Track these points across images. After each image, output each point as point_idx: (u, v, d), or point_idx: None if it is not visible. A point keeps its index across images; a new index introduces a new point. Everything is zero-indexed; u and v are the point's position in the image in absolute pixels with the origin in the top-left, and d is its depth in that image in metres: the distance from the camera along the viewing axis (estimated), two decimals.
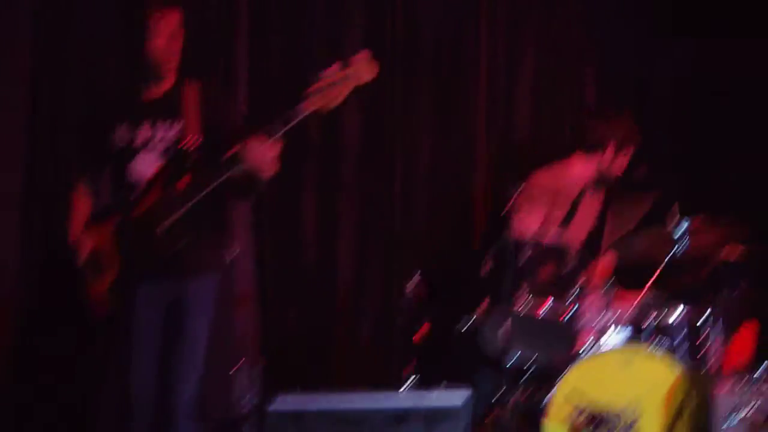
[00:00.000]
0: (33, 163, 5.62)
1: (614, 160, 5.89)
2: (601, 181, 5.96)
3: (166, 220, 4.43)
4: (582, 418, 5.01)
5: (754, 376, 5.10)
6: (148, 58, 4.56)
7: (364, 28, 6.49)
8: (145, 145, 4.57)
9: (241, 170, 4.40)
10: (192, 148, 4.52)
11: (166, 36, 4.53)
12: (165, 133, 4.56)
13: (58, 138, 5.71)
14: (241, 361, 5.68)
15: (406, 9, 6.57)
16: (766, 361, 5.20)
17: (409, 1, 6.59)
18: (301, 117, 4.35)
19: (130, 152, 4.58)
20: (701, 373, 5.18)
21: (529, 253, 5.19)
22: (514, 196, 5.14)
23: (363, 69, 4.38)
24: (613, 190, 6.20)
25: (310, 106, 4.33)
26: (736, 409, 4.97)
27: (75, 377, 5.53)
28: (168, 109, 4.59)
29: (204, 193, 4.42)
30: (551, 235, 5.30)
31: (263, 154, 4.36)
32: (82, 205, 4.75)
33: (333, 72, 4.35)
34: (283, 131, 4.35)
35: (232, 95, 5.67)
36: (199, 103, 4.59)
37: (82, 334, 5.30)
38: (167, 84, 4.64)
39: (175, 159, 4.53)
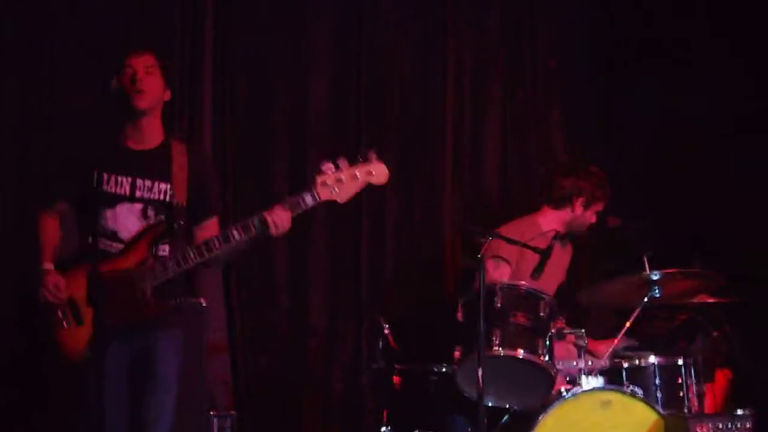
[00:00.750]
0: None
1: (582, 216, 5.92)
2: (568, 235, 5.98)
3: (155, 281, 4.40)
4: None
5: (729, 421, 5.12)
6: (123, 97, 4.51)
7: (330, 75, 6.55)
8: (127, 196, 4.52)
9: (262, 233, 4.44)
10: (179, 210, 4.51)
11: (141, 72, 4.50)
12: (151, 189, 4.52)
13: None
14: (213, 410, 5.61)
15: (372, 57, 6.61)
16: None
17: (374, 49, 6.63)
18: (311, 206, 4.45)
19: (109, 199, 4.51)
20: (678, 418, 5.17)
21: (502, 299, 5.18)
22: (485, 245, 5.12)
23: (377, 170, 4.44)
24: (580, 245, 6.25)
25: (321, 197, 4.41)
26: None
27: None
28: (156, 165, 4.54)
29: (214, 255, 4.42)
30: (523, 283, 5.30)
31: (284, 222, 4.44)
32: (51, 238, 4.60)
33: (344, 166, 4.40)
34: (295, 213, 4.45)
35: (208, 156, 5.69)
36: (186, 164, 4.57)
37: (51, 383, 5.26)
38: (156, 140, 4.60)
39: (164, 219, 4.49)
